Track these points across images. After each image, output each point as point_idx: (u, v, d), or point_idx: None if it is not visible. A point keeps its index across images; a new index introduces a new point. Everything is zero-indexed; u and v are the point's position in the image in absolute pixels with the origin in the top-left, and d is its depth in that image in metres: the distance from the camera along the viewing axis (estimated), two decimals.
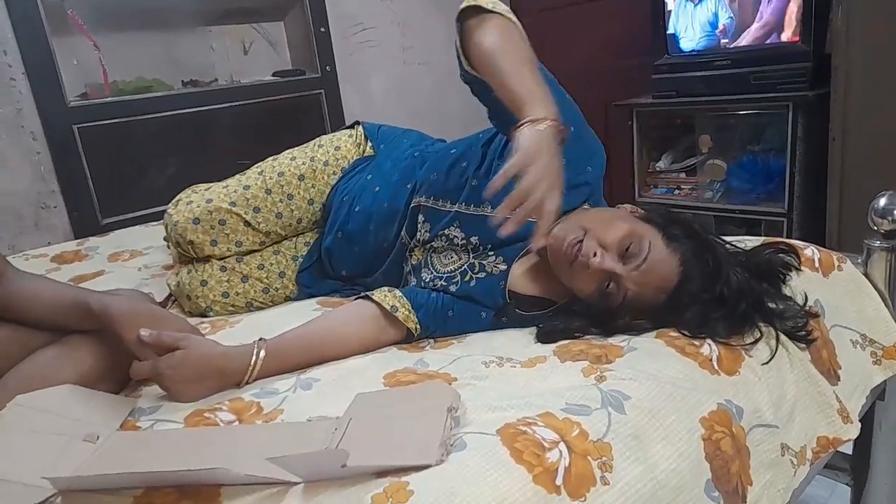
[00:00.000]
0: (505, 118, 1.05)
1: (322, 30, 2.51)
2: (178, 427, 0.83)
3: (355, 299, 1.10)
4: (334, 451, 0.63)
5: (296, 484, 0.66)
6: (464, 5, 1.01)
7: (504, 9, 1.01)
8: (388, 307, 1.05)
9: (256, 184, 1.30)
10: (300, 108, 2.53)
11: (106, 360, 0.92)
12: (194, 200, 1.29)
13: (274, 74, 2.51)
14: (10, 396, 0.82)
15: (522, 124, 0.85)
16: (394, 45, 2.86)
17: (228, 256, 1.30)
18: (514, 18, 1.01)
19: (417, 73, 2.94)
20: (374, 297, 1.07)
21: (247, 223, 1.29)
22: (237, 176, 1.36)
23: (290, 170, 1.33)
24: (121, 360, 0.91)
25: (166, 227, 1.32)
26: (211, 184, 1.37)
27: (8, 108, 1.88)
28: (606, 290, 0.95)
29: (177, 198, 1.36)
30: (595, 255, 0.94)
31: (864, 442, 1.15)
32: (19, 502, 0.68)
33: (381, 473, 0.65)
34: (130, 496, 0.68)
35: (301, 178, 1.32)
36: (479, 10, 1.00)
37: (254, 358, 0.92)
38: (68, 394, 0.85)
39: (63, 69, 1.93)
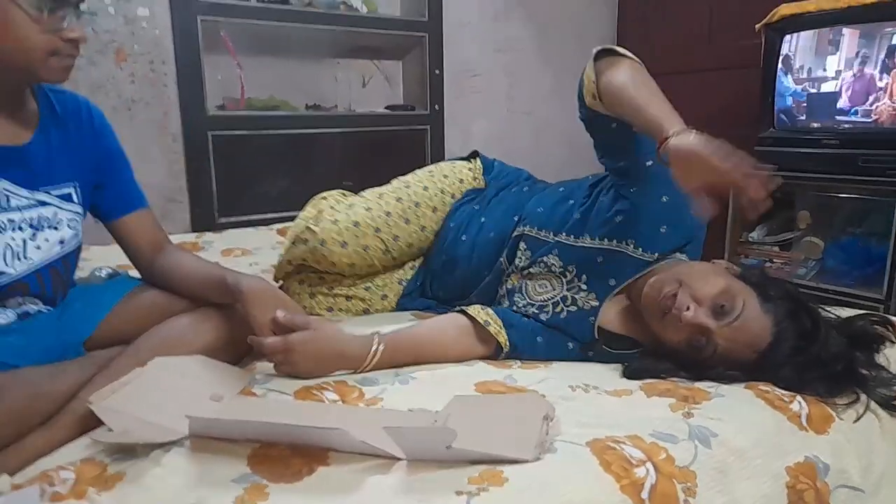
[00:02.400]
0: (615, 154, 1.12)
1: (437, 72, 2.66)
2: (288, 398, 0.92)
3: (450, 312, 1.17)
4: (443, 429, 0.70)
5: (399, 460, 0.73)
6: (599, 48, 1.09)
7: (630, 54, 1.09)
8: (481, 321, 1.11)
9: (396, 212, 1.36)
10: (406, 142, 2.68)
11: (231, 333, 1.02)
12: (340, 220, 1.32)
13: (386, 107, 2.68)
14: (150, 353, 0.93)
15: (672, 135, 0.90)
16: (500, 94, 3.00)
17: (356, 276, 1.37)
18: (640, 62, 1.08)
19: (519, 122, 3.06)
20: (468, 311, 1.14)
21: (386, 250, 1.35)
22: (371, 196, 1.40)
23: (424, 201, 1.39)
24: (242, 334, 1.01)
25: (305, 241, 1.33)
26: (346, 195, 1.44)
27: (157, 110, 2.11)
28: (696, 343, 0.98)
29: (312, 209, 1.39)
30: (688, 308, 0.97)
31: None
32: (156, 438, 0.78)
33: (478, 462, 0.71)
34: (248, 447, 0.76)
35: (434, 210, 1.40)
36: (610, 53, 1.08)
37: (374, 347, 1.01)
38: (198, 361, 0.96)
39: (207, 82, 2.15)
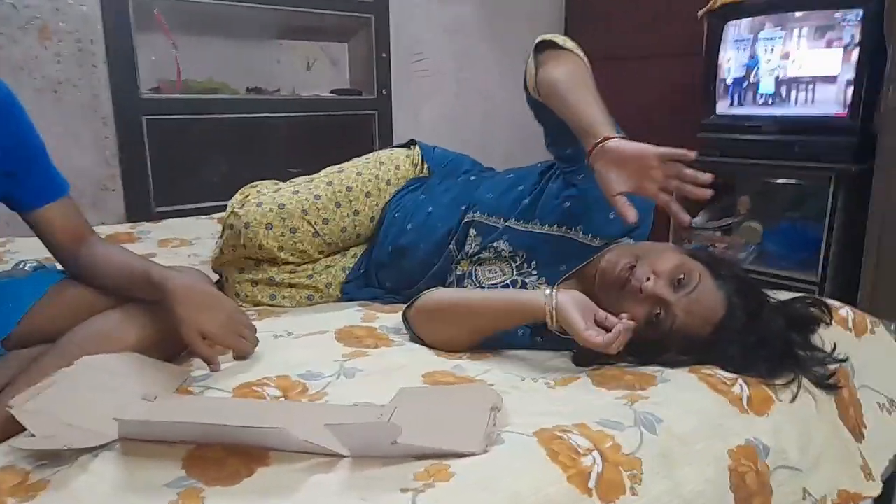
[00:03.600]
0: (563, 141, 1.12)
1: (383, 55, 2.62)
2: (226, 396, 0.88)
3: (415, 299, 1.13)
4: (387, 425, 0.68)
5: (343, 457, 0.70)
6: (539, 39, 1.09)
7: (572, 45, 1.09)
8: None
9: (326, 195, 1.32)
10: (352, 127, 2.63)
11: (163, 329, 0.97)
12: (265, 203, 1.29)
13: (332, 92, 2.62)
14: (76, 351, 0.88)
15: (601, 142, 0.92)
16: (449, 77, 2.97)
17: (289, 262, 1.33)
18: (583, 55, 1.08)
19: (469, 105, 3.05)
20: None
21: (315, 233, 1.31)
22: (301, 180, 1.38)
23: (357, 185, 1.36)
24: (175, 330, 0.96)
25: (231, 226, 1.30)
26: (277, 183, 1.40)
27: (86, 92, 2.00)
28: (655, 317, 0.98)
29: (240, 195, 1.36)
30: (648, 279, 0.98)
31: None
32: (83, 443, 0.73)
33: (423, 457, 0.69)
34: (183, 450, 0.72)
35: (367, 195, 1.36)
36: (552, 46, 1.08)
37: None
38: (130, 359, 0.90)
39: (140, 63, 2.05)
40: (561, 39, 1.09)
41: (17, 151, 0.97)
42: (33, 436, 0.74)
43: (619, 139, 0.92)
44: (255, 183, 1.42)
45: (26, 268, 1.28)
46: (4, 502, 0.67)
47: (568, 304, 0.95)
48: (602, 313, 0.95)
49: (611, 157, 0.92)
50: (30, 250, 1.46)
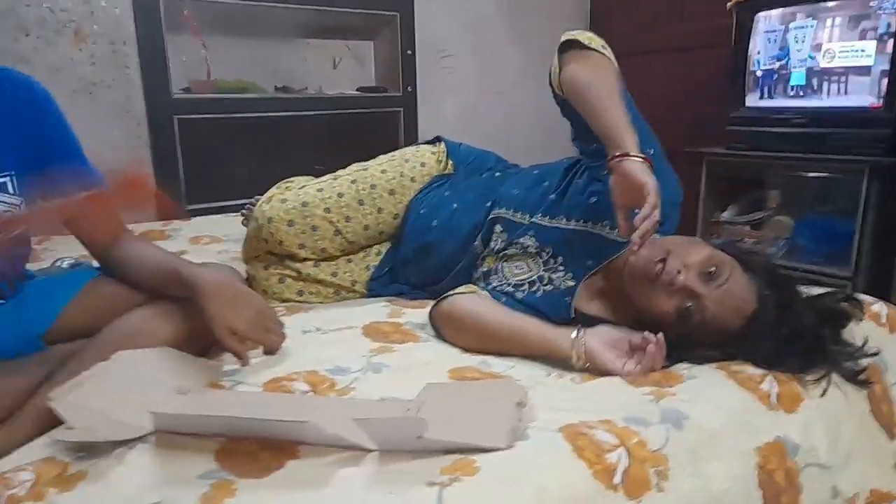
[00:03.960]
0: (589, 137, 1.12)
1: (408, 52, 2.63)
2: (257, 390, 0.90)
3: (443, 299, 1.14)
4: (414, 419, 0.69)
5: (370, 451, 0.72)
6: (564, 38, 1.09)
7: (599, 44, 1.09)
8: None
9: (350, 193, 1.34)
10: (378, 124, 2.65)
11: (194, 325, 0.98)
12: (289, 199, 1.32)
13: (358, 89, 2.64)
14: (112, 346, 0.90)
15: (618, 157, 0.95)
16: (472, 74, 2.97)
17: (309, 259, 1.35)
18: (609, 53, 1.08)
19: (491, 102, 3.04)
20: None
21: (337, 231, 1.33)
22: (327, 178, 1.39)
23: (381, 183, 1.37)
24: (205, 326, 0.98)
25: (256, 219, 1.34)
26: (303, 180, 1.42)
27: (119, 93, 2.05)
28: (686, 310, 0.97)
29: (275, 189, 1.39)
30: (679, 272, 0.97)
31: None
32: (120, 436, 0.75)
33: (450, 452, 0.70)
34: (216, 442, 0.74)
35: (392, 192, 1.37)
36: (577, 45, 1.07)
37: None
38: (164, 354, 0.93)
39: (172, 63, 2.09)
40: (586, 38, 1.09)
41: (52, 150, 0.99)
42: (72, 428, 0.77)
43: (638, 161, 0.94)
44: (291, 178, 1.44)
45: (63, 265, 1.32)
46: (45, 492, 0.69)
47: (598, 349, 0.96)
48: (636, 338, 0.96)
49: (623, 173, 0.95)
50: (66, 248, 1.50)
